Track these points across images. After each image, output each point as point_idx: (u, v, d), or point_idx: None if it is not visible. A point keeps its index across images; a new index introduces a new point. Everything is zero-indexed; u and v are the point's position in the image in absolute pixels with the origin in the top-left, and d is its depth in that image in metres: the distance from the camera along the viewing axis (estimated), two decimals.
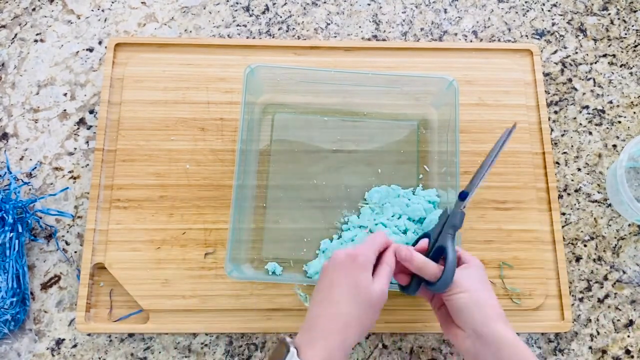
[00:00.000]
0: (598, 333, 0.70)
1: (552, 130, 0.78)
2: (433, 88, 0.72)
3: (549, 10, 0.85)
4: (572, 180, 0.76)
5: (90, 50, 0.80)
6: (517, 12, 0.84)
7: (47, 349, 0.67)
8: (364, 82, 0.72)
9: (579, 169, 0.77)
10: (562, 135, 0.78)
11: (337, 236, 0.69)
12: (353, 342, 0.48)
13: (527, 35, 0.83)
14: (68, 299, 0.69)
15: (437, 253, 0.57)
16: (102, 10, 0.82)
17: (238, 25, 0.82)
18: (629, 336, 0.70)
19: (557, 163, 0.77)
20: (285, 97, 0.75)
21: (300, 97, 0.75)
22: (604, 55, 0.82)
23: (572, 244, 0.73)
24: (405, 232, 0.68)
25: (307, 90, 0.74)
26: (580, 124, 0.79)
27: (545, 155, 0.75)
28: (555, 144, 0.78)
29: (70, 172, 0.75)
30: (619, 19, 0.84)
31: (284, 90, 0.74)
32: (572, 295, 0.71)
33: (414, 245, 0.61)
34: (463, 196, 0.59)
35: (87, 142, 0.76)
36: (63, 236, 0.72)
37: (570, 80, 0.81)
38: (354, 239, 0.67)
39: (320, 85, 0.73)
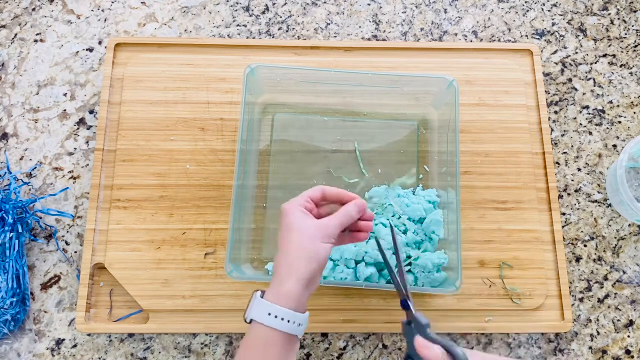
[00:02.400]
0: (598, 333, 0.70)
1: (552, 130, 0.78)
2: (433, 88, 0.72)
3: (549, 10, 0.85)
4: (572, 180, 0.76)
5: (90, 50, 0.80)
6: (517, 12, 0.84)
7: (47, 349, 0.67)
8: (364, 82, 0.72)
9: (579, 169, 0.77)
10: (562, 135, 0.78)
11: None
12: (306, 283, 0.51)
13: (527, 35, 0.83)
14: (68, 299, 0.69)
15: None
16: (102, 10, 0.82)
17: (238, 25, 0.82)
18: (629, 336, 0.70)
19: (557, 163, 0.77)
20: (285, 97, 0.75)
21: (300, 97, 0.75)
22: (604, 55, 0.82)
23: (572, 244, 0.73)
24: (405, 232, 0.68)
25: (307, 90, 0.74)
26: (580, 124, 0.79)
27: (545, 155, 0.75)
28: (555, 144, 0.78)
29: (70, 172, 0.75)
30: (619, 19, 0.84)
31: (284, 90, 0.74)
32: (572, 295, 0.71)
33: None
34: (406, 305, 0.57)
35: (87, 142, 0.76)
36: (63, 236, 0.72)
37: (570, 80, 0.81)
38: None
39: (320, 85, 0.73)
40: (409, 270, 0.66)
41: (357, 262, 0.66)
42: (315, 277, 0.52)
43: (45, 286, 0.70)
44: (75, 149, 0.76)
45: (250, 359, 0.49)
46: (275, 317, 0.49)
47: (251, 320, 0.50)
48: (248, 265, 0.68)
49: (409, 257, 0.66)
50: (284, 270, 0.51)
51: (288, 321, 0.49)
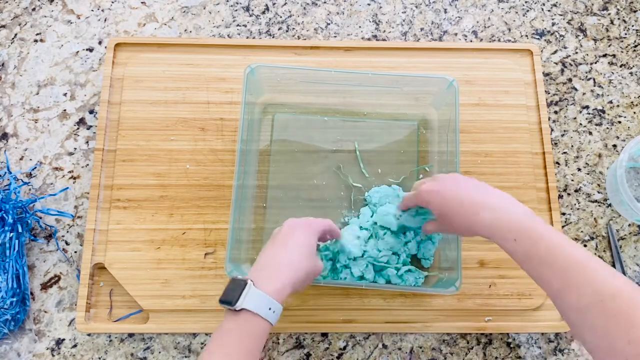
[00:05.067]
0: None
1: (552, 130, 0.78)
2: (433, 88, 0.72)
3: (549, 10, 0.85)
4: (572, 180, 0.76)
5: (90, 50, 0.80)
6: (517, 12, 0.84)
7: (47, 349, 0.67)
8: (364, 82, 0.72)
9: (579, 169, 0.77)
10: (562, 135, 0.78)
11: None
12: (295, 287, 0.53)
13: (527, 35, 0.83)
14: (68, 299, 0.69)
15: None
16: (102, 10, 0.82)
17: (238, 25, 0.82)
18: None
19: (557, 163, 0.77)
20: (285, 97, 0.75)
21: (300, 97, 0.75)
22: (604, 55, 0.82)
23: None
24: (405, 232, 0.67)
25: (308, 90, 0.74)
26: (580, 124, 0.79)
27: (545, 155, 0.75)
28: (555, 144, 0.78)
29: (70, 172, 0.75)
30: (619, 19, 0.84)
31: (284, 90, 0.74)
32: None
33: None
34: None
35: (87, 142, 0.76)
36: (63, 236, 0.72)
37: (570, 80, 0.81)
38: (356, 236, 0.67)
39: (321, 85, 0.73)
40: (409, 270, 0.66)
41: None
42: (307, 279, 0.55)
43: (45, 286, 0.70)
44: (75, 149, 0.76)
45: (243, 346, 0.49)
46: (272, 311, 0.50)
47: (241, 309, 0.50)
48: (248, 265, 0.68)
49: (398, 268, 0.66)
50: (284, 266, 0.52)
51: (275, 314, 0.51)
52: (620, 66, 0.82)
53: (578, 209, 0.75)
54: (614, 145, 0.78)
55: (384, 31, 0.83)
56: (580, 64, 0.82)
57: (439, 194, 0.56)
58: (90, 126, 0.77)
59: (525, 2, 0.85)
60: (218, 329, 0.50)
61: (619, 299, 0.42)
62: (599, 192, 0.76)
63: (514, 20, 0.84)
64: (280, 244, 0.55)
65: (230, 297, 0.50)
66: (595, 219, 0.74)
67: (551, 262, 0.47)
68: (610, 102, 0.80)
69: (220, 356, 0.48)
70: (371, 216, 0.68)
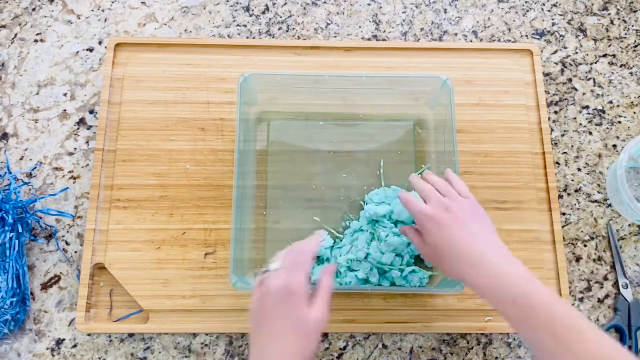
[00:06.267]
0: None
1: (552, 130, 0.78)
2: (428, 88, 0.71)
3: (549, 10, 0.85)
4: (572, 180, 0.76)
5: (90, 50, 0.80)
6: (517, 12, 0.84)
7: (47, 349, 0.67)
8: (359, 84, 0.71)
9: (579, 169, 0.77)
10: (562, 135, 0.78)
11: (339, 240, 0.69)
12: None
13: (527, 35, 0.83)
14: (68, 299, 0.69)
15: None
16: (102, 10, 0.82)
17: (238, 25, 0.82)
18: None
19: (557, 163, 0.77)
20: (280, 102, 0.74)
21: (295, 102, 0.74)
22: (604, 55, 0.82)
23: (572, 244, 0.73)
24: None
25: (302, 94, 0.73)
26: (580, 124, 0.79)
27: (545, 155, 0.75)
28: (555, 144, 0.78)
29: (70, 172, 0.75)
30: (619, 19, 0.84)
31: (279, 95, 0.74)
32: (572, 295, 0.71)
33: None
34: None
35: (87, 142, 0.76)
36: (63, 236, 0.72)
37: (570, 80, 0.81)
38: (353, 242, 0.67)
39: (315, 89, 0.72)
40: (413, 271, 0.66)
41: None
42: (313, 344, 0.50)
43: (45, 286, 0.70)
44: (75, 149, 0.76)
45: None
46: None
47: None
48: (251, 275, 0.67)
49: (401, 270, 0.66)
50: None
51: None
52: (620, 66, 0.82)
53: (578, 209, 0.75)
54: (614, 145, 0.78)
55: (384, 31, 0.83)
56: (580, 64, 0.82)
57: (441, 229, 0.54)
58: (90, 126, 0.77)
59: (525, 2, 0.85)
60: None
61: None
62: (599, 192, 0.76)
63: (514, 20, 0.84)
64: (269, 330, 0.50)
65: None
66: (595, 219, 0.74)
67: (549, 328, 0.47)
68: (610, 102, 0.80)
69: None
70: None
